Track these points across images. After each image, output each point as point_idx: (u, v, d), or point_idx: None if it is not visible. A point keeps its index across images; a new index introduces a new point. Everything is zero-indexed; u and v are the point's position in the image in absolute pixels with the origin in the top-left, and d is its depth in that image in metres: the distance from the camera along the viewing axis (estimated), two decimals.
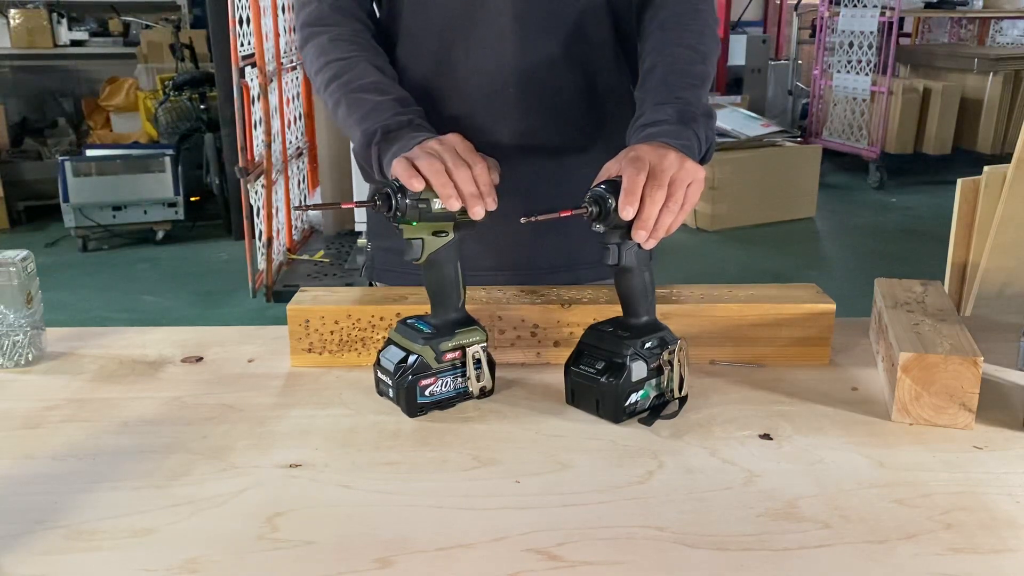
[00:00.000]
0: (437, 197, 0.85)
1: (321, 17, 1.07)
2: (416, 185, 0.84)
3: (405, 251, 0.89)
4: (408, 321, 0.93)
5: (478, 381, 0.92)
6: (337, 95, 1.02)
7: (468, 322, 0.92)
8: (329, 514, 0.73)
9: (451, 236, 0.89)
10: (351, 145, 1.02)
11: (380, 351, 0.93)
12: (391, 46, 1.10)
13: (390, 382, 0.90)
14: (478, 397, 0.93)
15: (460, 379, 0.92)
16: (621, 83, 1.13)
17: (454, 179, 0.85)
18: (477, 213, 0.86)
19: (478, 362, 0.92)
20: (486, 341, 0.93)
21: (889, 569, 0.66)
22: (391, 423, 0.89)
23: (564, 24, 1.06)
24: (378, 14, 1.13)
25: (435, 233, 0.88)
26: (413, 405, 0.89)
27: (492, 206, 0.87)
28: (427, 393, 0.90)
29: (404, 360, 0.89)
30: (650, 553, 0.68)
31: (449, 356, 0.90)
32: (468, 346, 0.91)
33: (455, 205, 0.85)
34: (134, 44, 5.72)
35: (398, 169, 0.85)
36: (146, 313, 3.71)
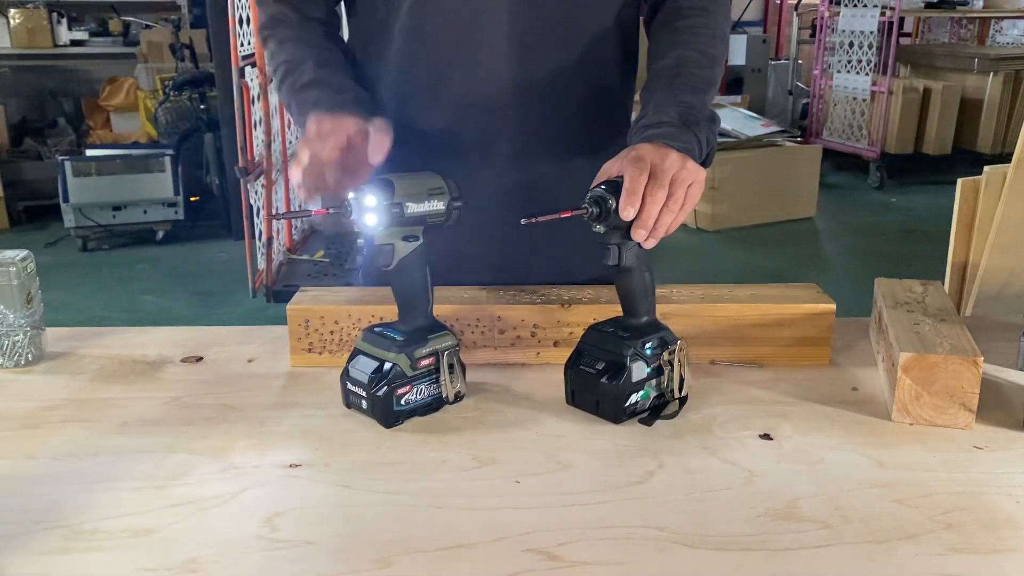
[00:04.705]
0: (411, 202, 0.86)
1: (268, 23, 1.08)
2: (295, 175, 0.88)
3: (376, 258, 0.88)
4: (376, 329, 0.91)
5: (452, 386, 0.91)
6: (287, 98, 1.03)
7: (438, 327, 0.91)
8: (329, 514, 0.73)
9: (421, 240, 0.88)
10: None
11: (348, 362, 0.90)
12: (385, 59, 1.09)
13: (364, 393, 0.88)
14: (452, 402, 0.92)
15: (434, 385, 0.90)
16: (626, 98, 1.13)
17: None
18: (304, 195, 0.88)
19: (451, 367, 0.90)
20: (458, 345, 0.92)
21: (889, 569, 0.66)
22: None
23: (569, 44, 1.05)
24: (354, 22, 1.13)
25: (405, 238, 0.87)
26: (389, 415, 0.87)
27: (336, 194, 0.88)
28: (403, 402, 0.88)
29: (378, 369, 0.87)
30: (650, 553, 0.68)
31: (424, 363, 0.89)
32: (442, 351, 0.90)
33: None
34: (134, 44, 5.71)
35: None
36: (146, 313, 3.71)
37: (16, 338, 1.01)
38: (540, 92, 1.05)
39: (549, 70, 1.05)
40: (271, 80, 1.08)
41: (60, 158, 4.61)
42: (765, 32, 8.34)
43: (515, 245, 1.08)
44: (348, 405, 0.91)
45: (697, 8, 1.04)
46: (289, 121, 4.33)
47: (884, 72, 5.77)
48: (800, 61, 7.31)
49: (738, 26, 7.88)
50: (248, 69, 3.67)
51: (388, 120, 0.91)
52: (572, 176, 0.98)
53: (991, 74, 5.88)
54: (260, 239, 3.86)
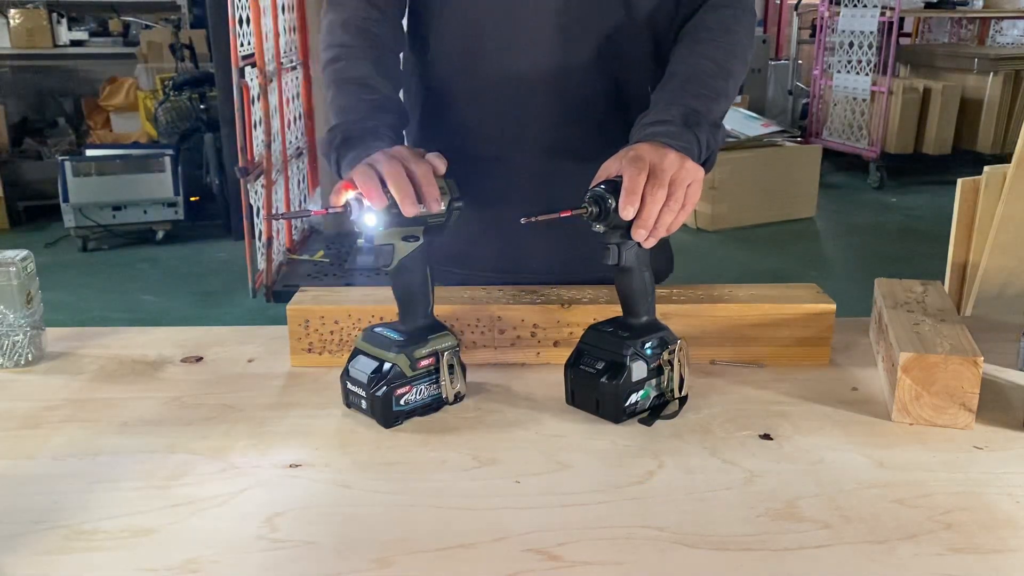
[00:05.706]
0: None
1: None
2: (335, 201, 0.86)
3: (376, 258, 0.88)
4: (376, 329, 0.91)
5: (452, 386, 0.91)
6: (329, 80, 1.03)
7: (438, 327, 0.91)
8: (329, 514, 0.73)
9: (421, 241, 0.88)
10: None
11: (348, 362, 0.90)
12: (423, 37, 1.10)
13: (363, 393, 0.88)
14: (452, 402, 0.92)
15: (434, 386, 0.90)
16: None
17: (385, 178, 0.84)
18: (406, 209, 0.84)
19: (451, 367, 0.90)
20: (458, 345, 0.92)
21: (889, 569, 0.66)
22: None
23: (603, 37, 1.06)
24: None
25: (405, 238, 0.87)
26: (389, 415, 0.87)
27: (434, 207, 0.86)
28: (403, 402, 0.88)
29: (378, 369, 0.87)
30: (650, 553, 0.68)
31: (424, 363, 0.89)
32: (442, 351, 0.90)
33: (379, 206, 0.84)
34: (134, 44, 5.72)
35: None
36: (146, 313, 3.71)
37: (16, 338, 1.01)
38: (573, 84, 1.07)
39: (584, 64, 1.06)
40: (322, 53, 1.06)
41: (60, 158, 4.61)
42: (765, 32, 8.34)
43: (539, 233, 1.09)
44: (348, 405, 0.91)
45: (721, 26, 1.05)
46: (289, 121, 4.33)
47: (884, 72, 5.77)
48: (800, 61, 7.31)
49: None
50: (248, 69, 3.66)
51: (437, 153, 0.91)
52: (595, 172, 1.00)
53: (991, 74, 5.87)
54: (260, 239, 3.86)
